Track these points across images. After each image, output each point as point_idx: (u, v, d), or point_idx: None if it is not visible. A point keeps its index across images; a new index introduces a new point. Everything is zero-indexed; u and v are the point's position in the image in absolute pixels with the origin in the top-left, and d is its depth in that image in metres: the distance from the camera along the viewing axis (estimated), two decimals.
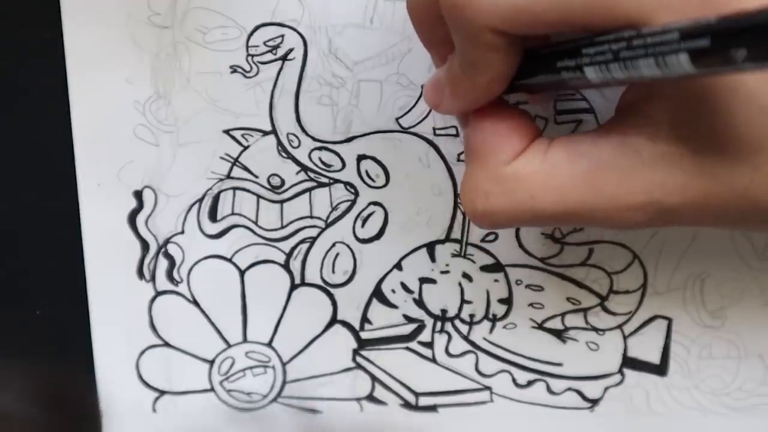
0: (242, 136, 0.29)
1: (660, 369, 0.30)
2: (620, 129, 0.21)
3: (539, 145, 0.22)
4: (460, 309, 0.30)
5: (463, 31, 0.20)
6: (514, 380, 0.31)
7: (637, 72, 0.18)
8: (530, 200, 0.22)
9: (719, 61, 0.15)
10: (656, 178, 0.20)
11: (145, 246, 0.30)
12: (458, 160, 0.29)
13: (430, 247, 0.30)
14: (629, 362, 0.30)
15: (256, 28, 0.28)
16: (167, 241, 0.30)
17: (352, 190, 0.30)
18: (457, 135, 0.29)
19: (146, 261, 0.30)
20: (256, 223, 0.30)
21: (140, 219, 0.30)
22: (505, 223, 0.23)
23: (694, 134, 0.20)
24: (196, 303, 0.31)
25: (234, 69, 0.29)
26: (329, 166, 0.29)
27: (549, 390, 0.31)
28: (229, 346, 0.31)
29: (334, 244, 0.30)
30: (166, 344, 0.31)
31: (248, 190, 0.30)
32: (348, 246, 0.30)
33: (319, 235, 0.30)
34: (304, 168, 0.29)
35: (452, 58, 0.23)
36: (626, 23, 0.18)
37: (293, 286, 0.31)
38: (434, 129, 0.29)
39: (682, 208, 0.20)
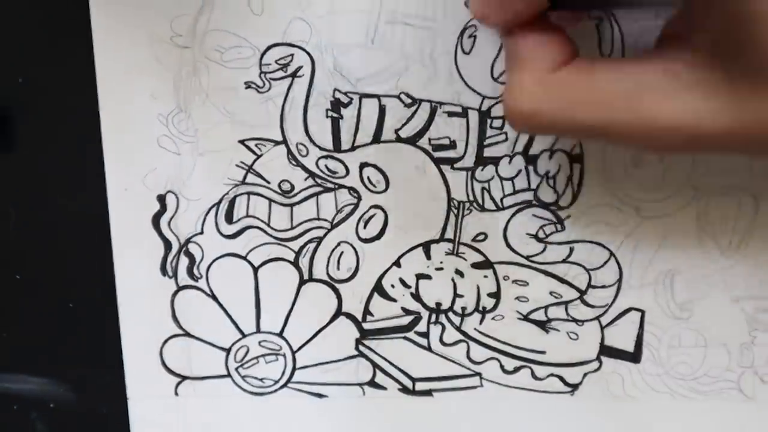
0: (256, 145, 0.30)
1: (634, 356, 0.31)
2: (664, 55, 0.21)
3: (583, 61, 0.22)
4: (453, 302, 0.31)
5: None
6: (501, 367, 0.31)
7: None
8: (572, 108, 0.21)
9: None
10: (694, 102, 0.20)
11: (167, 245, 0.31)
12: (452, 168, 0.30)
13: (426, 246, 0.31)
14: (606, 350, 0.31)
15: (269, 48, 0.29)
16: (188, 241, 0.31)
17: (355, 195, 0.30)
18: (450, 146, 0.30)
19: (169, 259, 0.31)
20: (268, 224, 0.31)
21: (163, 221, 0.31)
22: (543, 126, 0.22)
23: (733, 64, 0.19)
24: (214, 297, 0.32)
25: (248, 85, 0.29)
26: (334, 172, 0.30)
27: (533, 376, 0.32)
28: (244, 335, 0.32)
29: (338, 244, 0.31)
30: (187, 334, 0.32)
31: (261, 195, 0.31)
32: (351, 245, 0.31)
33: (325, 235, 0.31)
34: (312, 174, 0.30)
35: None
36: None
37: (302, 282, 0.31)
38: (430, 139, 0.29)
39: (715, 134, 0.20)
